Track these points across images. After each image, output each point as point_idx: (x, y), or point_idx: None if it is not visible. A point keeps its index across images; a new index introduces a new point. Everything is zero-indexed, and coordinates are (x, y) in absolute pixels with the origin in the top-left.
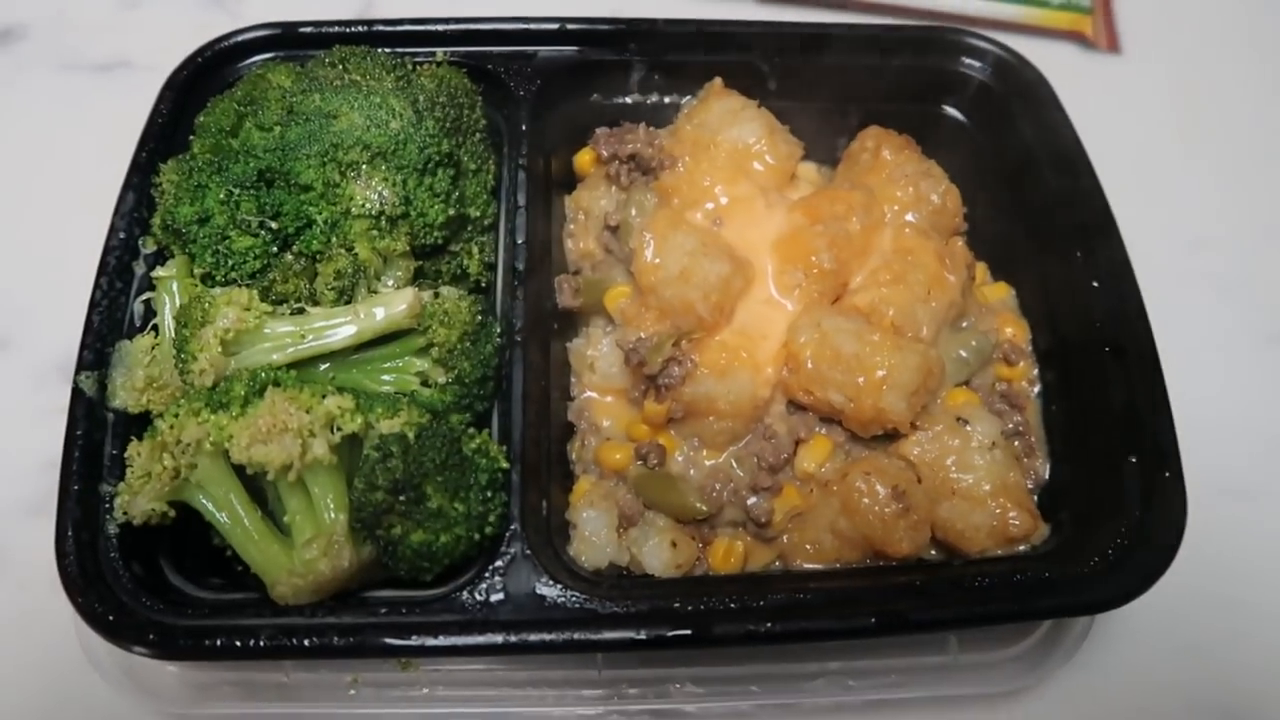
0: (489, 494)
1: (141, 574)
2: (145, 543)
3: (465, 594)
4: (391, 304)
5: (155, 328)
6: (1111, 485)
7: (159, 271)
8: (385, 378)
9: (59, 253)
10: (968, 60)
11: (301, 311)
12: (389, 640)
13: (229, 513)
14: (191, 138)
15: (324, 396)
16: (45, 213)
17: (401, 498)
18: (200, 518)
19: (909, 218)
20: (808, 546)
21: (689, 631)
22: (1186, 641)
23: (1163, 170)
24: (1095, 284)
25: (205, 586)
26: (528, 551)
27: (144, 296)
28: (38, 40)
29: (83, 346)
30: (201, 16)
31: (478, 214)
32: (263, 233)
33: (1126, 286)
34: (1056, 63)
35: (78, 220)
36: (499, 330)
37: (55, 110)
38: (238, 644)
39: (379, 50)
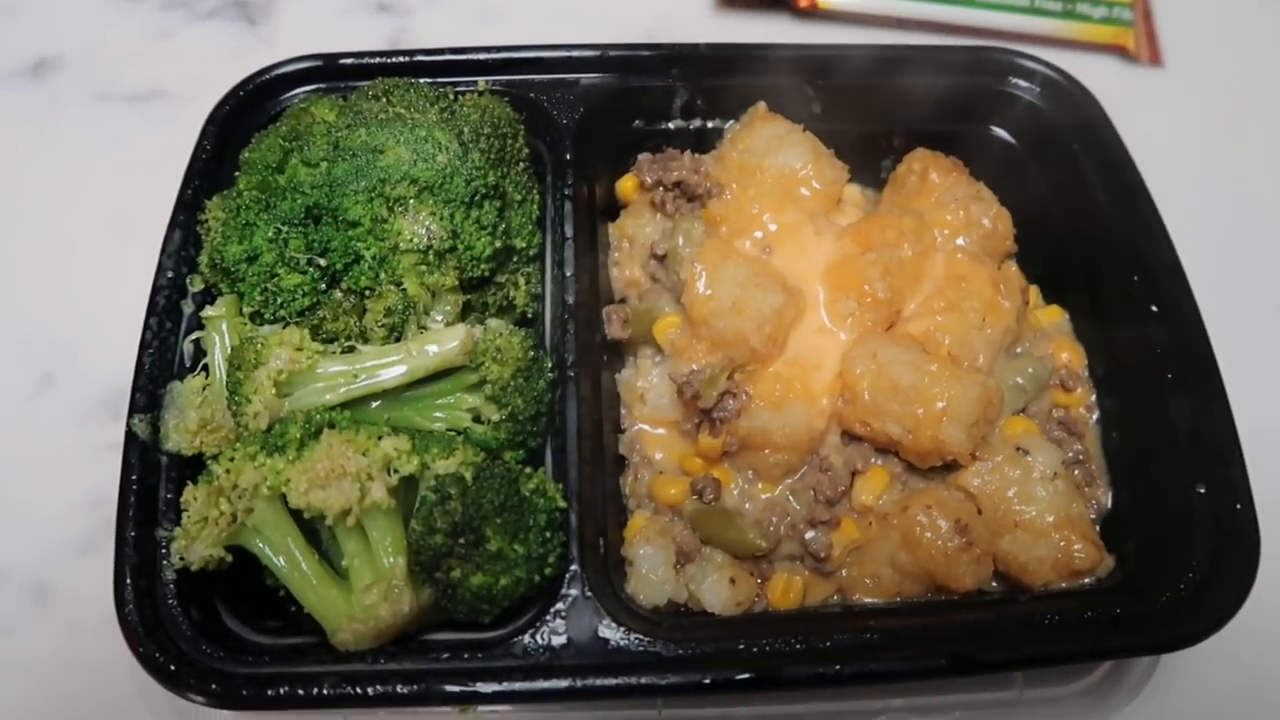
0: (548, 534)
1: (200, 620)
2: (201, 587)
3: (527, 637)
4: (444, 341)
5: (205, 368)
6: (1179, 516)
7: (208, 311)
8: (437, 415)
9: (100, 286)
10: (1015, 80)
11: (352, 350)
12: (453, 687)
13: (287, 557)
14: (237, 174)
15: (380, 438)
16: (84, 245)
17: (461, 540)
18: (254, 558)
19: (960, 242)
20: (867, 580)
21: (756, 674)
22: (1256, 674)
23: (1208, 184)
24: (1154, 308)
25: (262, 630)
26: (588, 593)
27: (193, 336)
28: (72, 71)
29: (134, 389)
30: (234, 44)
31: (523, 245)
32: (311, 270)
33: (1188, 312)
34: (1099, 76)
35: (117, 252)
36: (551, 365)
37: (92, 141)
38: (300, 692)
39: (421, 81)
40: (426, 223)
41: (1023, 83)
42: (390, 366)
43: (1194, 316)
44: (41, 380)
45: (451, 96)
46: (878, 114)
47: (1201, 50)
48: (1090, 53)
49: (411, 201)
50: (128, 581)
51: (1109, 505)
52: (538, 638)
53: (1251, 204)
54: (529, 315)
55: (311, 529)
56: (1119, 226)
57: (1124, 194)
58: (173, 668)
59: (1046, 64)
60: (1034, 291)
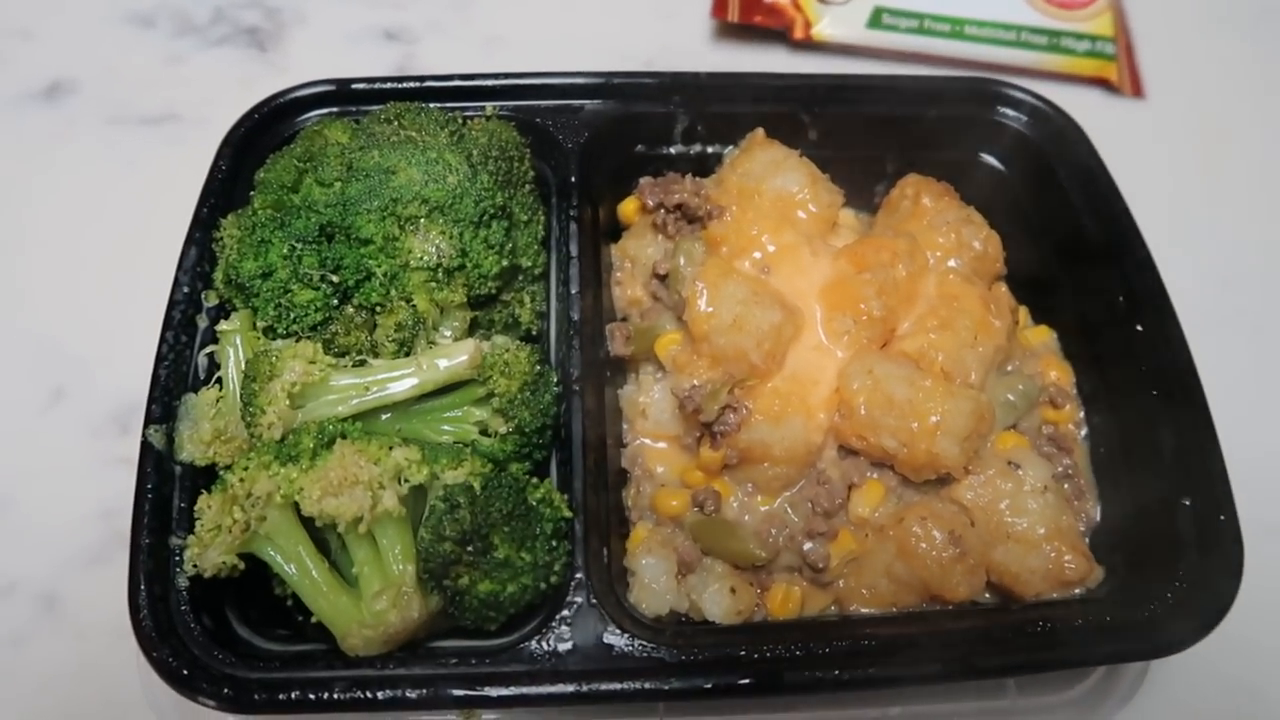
0: (554, 543)
1: (211, 626)
2: (213, 595)
3: (533, 644)
4: (453, 355)
5: (219, 380)
6: (1165, 528)
7: (222, 325)
8: (445, 428)
9: (111, 302)
10: (1003, 109)
11: (363, 364)
12: (461, 691)
13: (298, 565)
14: (252, 193)
15: (391, 448)
16: (97, 264)
17: (469, 548)
18: (263, 567)
19: (951, 264)
20: (864, 591)
21: (757, 680)
22: (1243, 681)
23: (1190, 211)
24: (1139, 328)
25: (271, 638)
26: (593, 601)
27: (208, 349)
28: (87, 94)
29: (150, 400)
30: (245, 70)
31: (529, 264)
32: (324, 286)
33: (1172, 331)
34: (1083, 107)
35: (128, 269)
36: (556, 379)
37: (105, 162)
38: (312, 696)
39: (431, 106)
40: (436, 241)
41: (1010, 112)
42: (400, 380)
43: (1177, 336)
44: (53, 394)
45: (460, 121)
46: (871, 141)
47: (1182, 83)
48: (1075, 84)
49: (422, 221)
50: (142, 588)
51: (1097, 518)
52: (543, 644)
53: (1230, 228)
54: (534, 332)
55: (320, 538)
56: (1104, 249)
57: (1108, 218)
58: (186, 672)
59: (1033, 94)
60: (1023, 312)
